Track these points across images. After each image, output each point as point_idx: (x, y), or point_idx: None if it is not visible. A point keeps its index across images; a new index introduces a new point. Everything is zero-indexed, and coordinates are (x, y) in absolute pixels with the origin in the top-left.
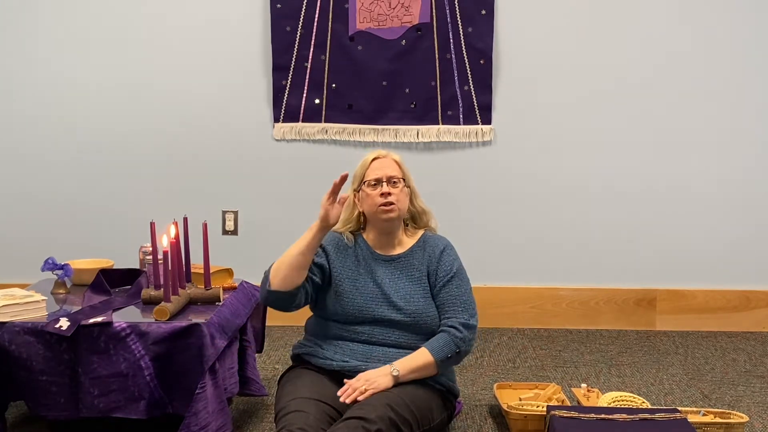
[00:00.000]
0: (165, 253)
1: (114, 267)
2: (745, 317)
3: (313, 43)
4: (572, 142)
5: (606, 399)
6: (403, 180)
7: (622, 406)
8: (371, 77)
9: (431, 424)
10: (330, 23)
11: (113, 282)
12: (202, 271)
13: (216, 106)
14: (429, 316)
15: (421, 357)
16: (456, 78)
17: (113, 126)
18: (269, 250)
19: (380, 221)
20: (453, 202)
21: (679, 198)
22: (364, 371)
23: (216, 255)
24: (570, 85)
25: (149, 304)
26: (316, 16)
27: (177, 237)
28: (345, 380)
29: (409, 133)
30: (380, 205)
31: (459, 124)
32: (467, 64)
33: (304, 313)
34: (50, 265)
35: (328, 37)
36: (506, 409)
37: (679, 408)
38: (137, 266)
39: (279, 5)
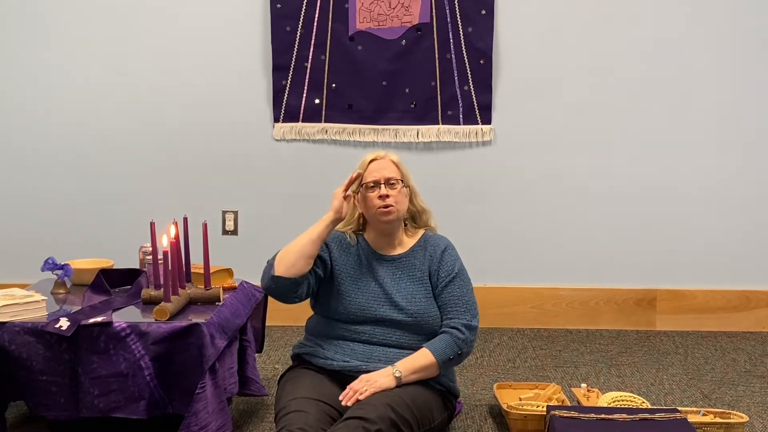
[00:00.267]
0: (165, 253)
1: (114, 267)
2: (745, 317)
3: (313, 43)
4: (572, 142)
5: (606, 399)
6: (402, 181)
7: (622, 406)
8: (371, 77)
9: (431, 424)
10: (330, 23)
11: (113, 282)
12: (202, 271)
13: (216, 106)
14: (431, 317)
15: (422, 358)
16: (456, 78)
17: (113, 126)
18: (269, 250)
19: (379, 223)
20: (453, 202)
21: (680, 198)
22: (364, 371)
23: (216, 255)
24: (570, 84)
25: (149, 304)
26: (316, 16)
27: (177, 237)
28: (348, 387)
29: (409, 133)
30: (379, 208)
31: (459, 124)
32: (467, 64)
33: (305, 313)
34: (50, 265)
35: (328, 37)
36: (506, 409)
37: (679, 408)
38: (137, 266)
39: (279, 5)
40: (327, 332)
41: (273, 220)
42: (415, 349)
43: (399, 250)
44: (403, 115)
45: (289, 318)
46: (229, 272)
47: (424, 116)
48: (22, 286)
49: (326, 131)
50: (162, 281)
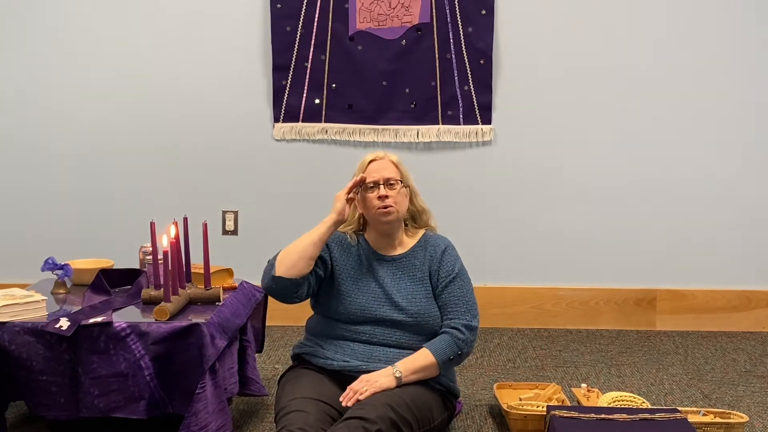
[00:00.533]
0: (165, 253)
1: (114, 267)
2: (745, 317)
3: (313, 43)
4: (572, 141)
5: (606, 399)
6: (401, 181)
7: (622, 406)
8: (371, 77)
9: (431, 424)
10: (330, 23)
11: (113, 282)
12: (202, 271)
13: (216, 106)
14: (431, 317)
15: (423, 358)
16: (456, 78)
17: (113, 126)
18: (269, 250)
19: (379, 223)
20: (453, 202)
21: (680, 198)
22: (364, 371)
23: (216, 255)
24: (570, 84)
25: (149, 304)
26: (316, 16)
27: (177, 237)
28: (348, 387)
29: (409, 133)
30: (378, 208)
31: (459, 124)
32: (467, 64)
33: (305, 313)
34: (50, 265)
35: (328, 37)
36: (506, 409)
37: (679, 408)
38: (137, 266)
39: (279, 5)
40: (327, 332)
41: (273, 220)
42: (415, 349)
43: (399, 251)
44: (403, 115)
45: (289, 318)
46: (229, 272)
47: (424, 116)
48: (22, 286)
49: (326, 131)
50: (162, 281)
